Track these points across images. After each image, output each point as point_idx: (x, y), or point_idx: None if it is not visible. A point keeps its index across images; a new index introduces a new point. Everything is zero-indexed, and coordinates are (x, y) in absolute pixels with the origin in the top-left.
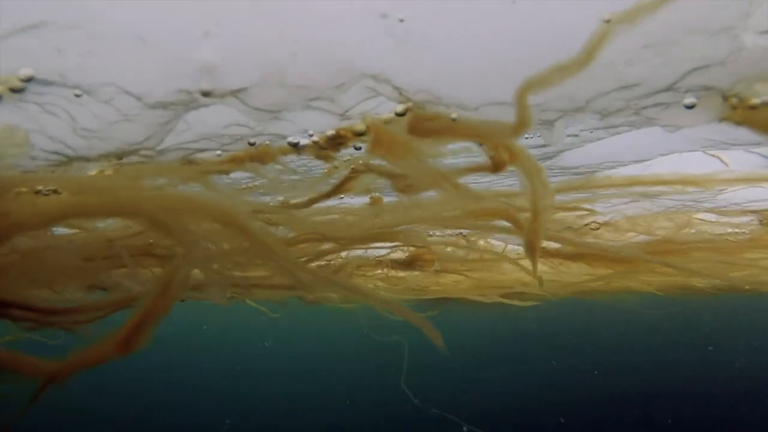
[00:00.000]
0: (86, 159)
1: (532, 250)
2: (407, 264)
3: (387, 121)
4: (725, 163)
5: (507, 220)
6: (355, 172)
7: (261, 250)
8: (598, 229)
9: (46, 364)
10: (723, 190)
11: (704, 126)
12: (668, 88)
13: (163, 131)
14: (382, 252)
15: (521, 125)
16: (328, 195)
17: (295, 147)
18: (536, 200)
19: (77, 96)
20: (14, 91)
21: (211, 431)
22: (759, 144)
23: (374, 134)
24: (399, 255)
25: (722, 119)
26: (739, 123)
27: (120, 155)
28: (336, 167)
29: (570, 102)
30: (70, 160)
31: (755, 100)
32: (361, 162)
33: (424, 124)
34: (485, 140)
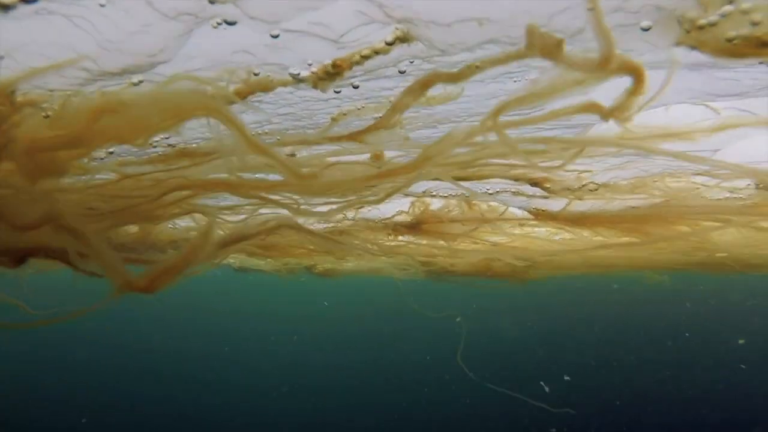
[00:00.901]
0: (110, 73)
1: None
2: (412, 228)
3: None
4: (717, 111)
5: (592, 111)
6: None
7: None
8: (596, 190)
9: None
10: (717, 149)
11: (690, 75)
12: (618, 9)
13: (176, 45)
14: (389, 214)
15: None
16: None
17: (296, 77)
18: None
19: (101, 6)
20: None
21: (267, 394)
22: (740, 95)
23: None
24: (404, 218)
25: (678, 43)
26: (693, 46)
27: (138, 70)
28: (344, 114)
29: (533, 18)
30: (94, 78)
31: (702, 21)
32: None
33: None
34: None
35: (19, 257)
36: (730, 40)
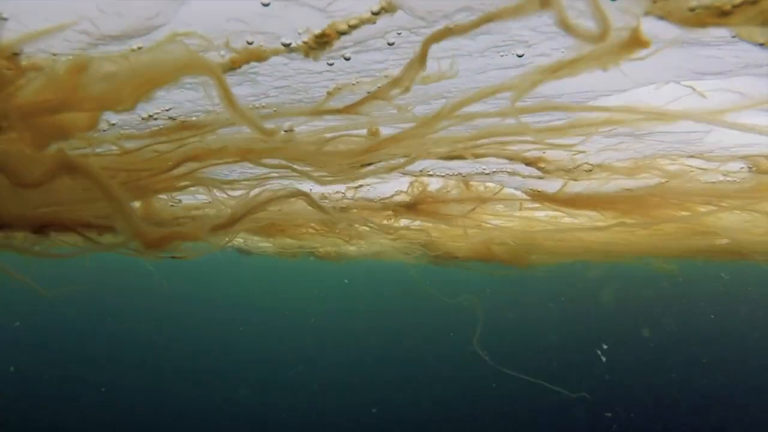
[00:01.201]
0: (109, 36)
1: None
2: (411, 208)
3: None
4: (702, 95)
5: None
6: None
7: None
8: (591, 170)
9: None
10: (709, 130)
11: (672, 51)
12: None
13: (172, 9)
14: (388, 193)
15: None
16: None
17: (288, 47)
18: None
19: None
20: None
21: (279, 378)
22: (724, 74)
23: None
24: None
25: (647, 13)
26: (661, 16)
27: (135, 34)
28: (339, 89)
29: None
30: (95, 42)
31: None
32: None
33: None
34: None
35: (37, 227)
36: (692, 10)
